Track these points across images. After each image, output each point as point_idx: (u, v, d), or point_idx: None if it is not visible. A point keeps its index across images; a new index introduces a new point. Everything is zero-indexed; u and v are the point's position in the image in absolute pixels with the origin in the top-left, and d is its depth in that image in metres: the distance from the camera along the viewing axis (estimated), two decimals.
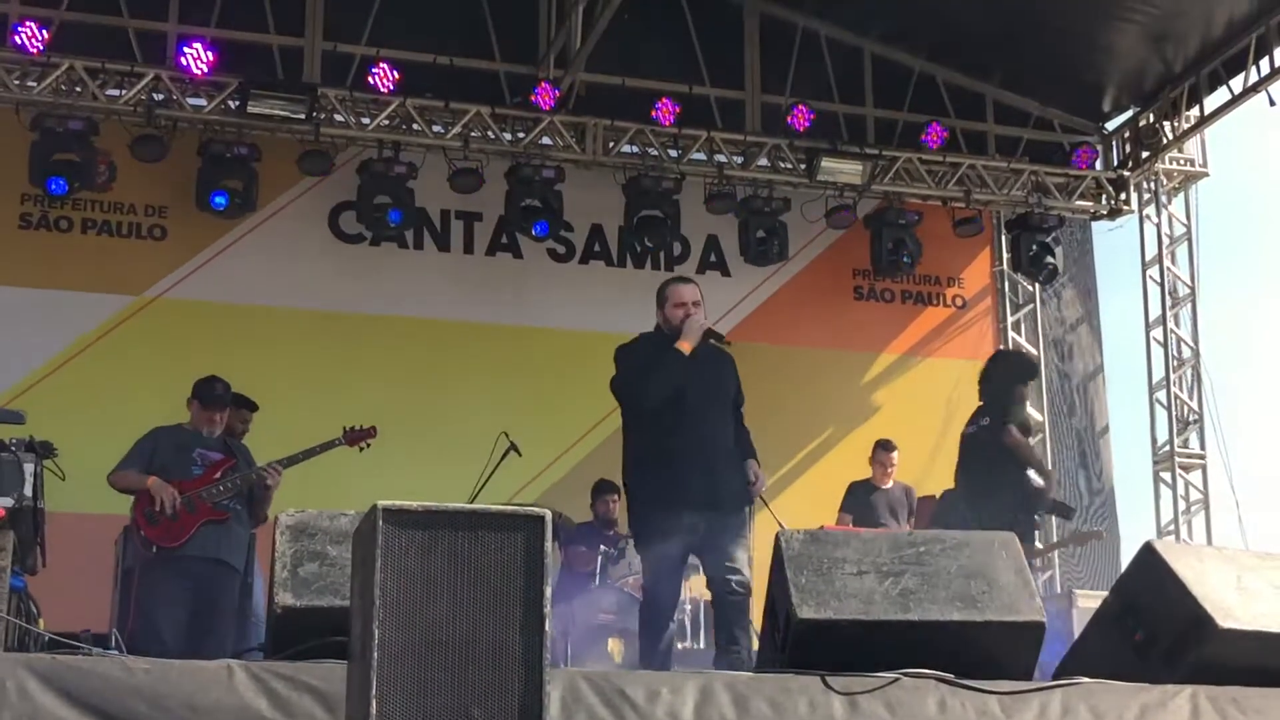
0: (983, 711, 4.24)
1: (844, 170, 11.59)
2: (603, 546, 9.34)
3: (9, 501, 5.22)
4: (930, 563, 4.54)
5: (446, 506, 3.44)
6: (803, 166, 11.67)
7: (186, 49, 10.43)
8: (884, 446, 10.09)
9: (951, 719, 4.20)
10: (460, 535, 3.43)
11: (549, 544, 3.47)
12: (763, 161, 11.75)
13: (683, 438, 6.55)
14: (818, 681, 4.19)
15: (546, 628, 3.42)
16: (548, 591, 3.45)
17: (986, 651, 4.43)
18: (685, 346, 6.65)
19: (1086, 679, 4.43)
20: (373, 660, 3.32)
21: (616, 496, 10.12)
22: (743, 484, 6.72)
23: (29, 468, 5.29)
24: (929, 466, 10.84)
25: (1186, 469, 12.25)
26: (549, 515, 3.49)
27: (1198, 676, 4.51)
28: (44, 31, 10.16)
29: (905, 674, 4.26)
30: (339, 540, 4.28)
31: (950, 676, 4.28)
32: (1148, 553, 4.82)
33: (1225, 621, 4.57)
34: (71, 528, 8.08)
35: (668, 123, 11.30)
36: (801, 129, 11.54)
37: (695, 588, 9.60)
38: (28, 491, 5.28)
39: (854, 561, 4.51)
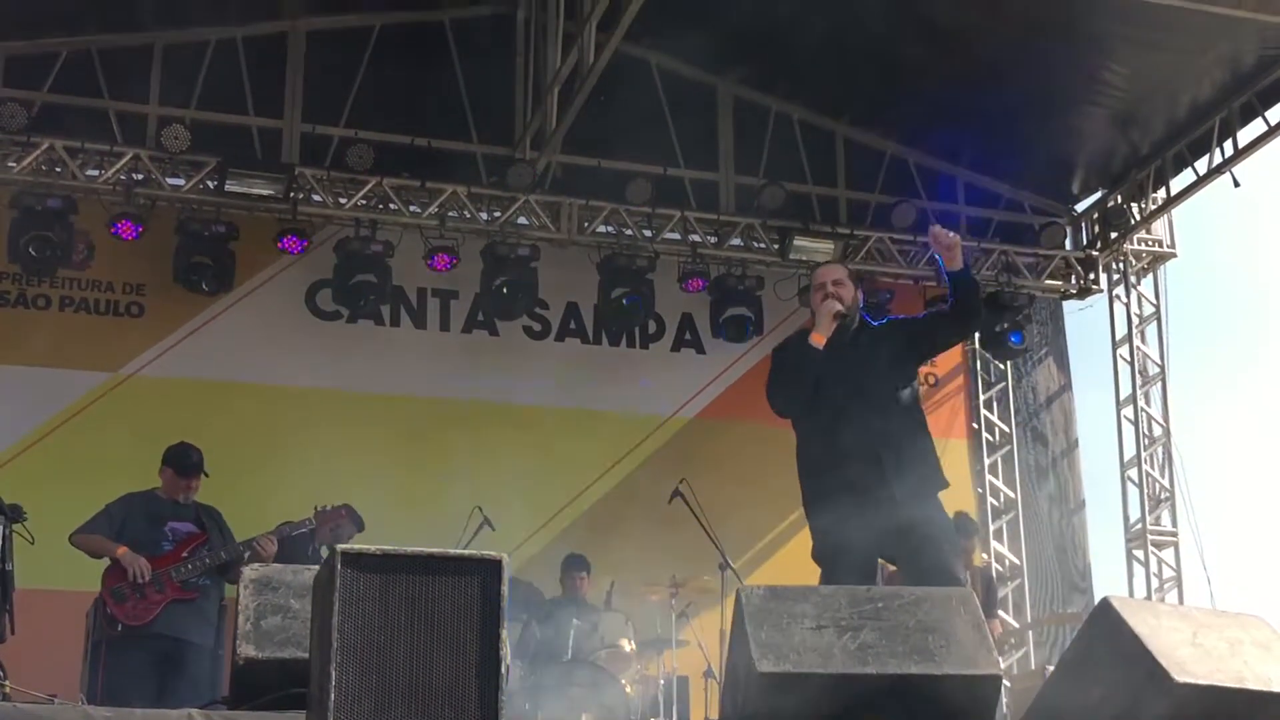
0: None
1: (816, 249, 11.73)
2: (575, 620, 9.31)
3: None
4: (888, 617, 4.56)
5: (404, 550, 3.49)
6: (776, 245, 11.82)
7: None
8: None
9: None
10: (417, 579, 3.48)
11: (505, 588, 3.52)
12: (736, 240, 11.89)
13: (833, 436, 6.02)
14: None
15: (502, 670, 3.47)
16: (503, 634, 3.50)
17: (945, 704, 4.45)
18: (817, 339, 6.14)
19: None
20: (329, 703, 3.35)
21: (585, 574, 10.14)
22: (919, 471, 6.02)
23: None
24: None
25: (1159, 546, 12.30)
26: (506, 559, 3.54)
27: None
28: None
29: None
30: (302, 594, 4.31)
31: None
32: (1104, 609, 4.87)
33: (1180, 676, 4.60)
34: (43, 602, 8.08)
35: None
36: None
37: (668, 663, 9.63)
38: None
39: (813, 616, 4.53)
